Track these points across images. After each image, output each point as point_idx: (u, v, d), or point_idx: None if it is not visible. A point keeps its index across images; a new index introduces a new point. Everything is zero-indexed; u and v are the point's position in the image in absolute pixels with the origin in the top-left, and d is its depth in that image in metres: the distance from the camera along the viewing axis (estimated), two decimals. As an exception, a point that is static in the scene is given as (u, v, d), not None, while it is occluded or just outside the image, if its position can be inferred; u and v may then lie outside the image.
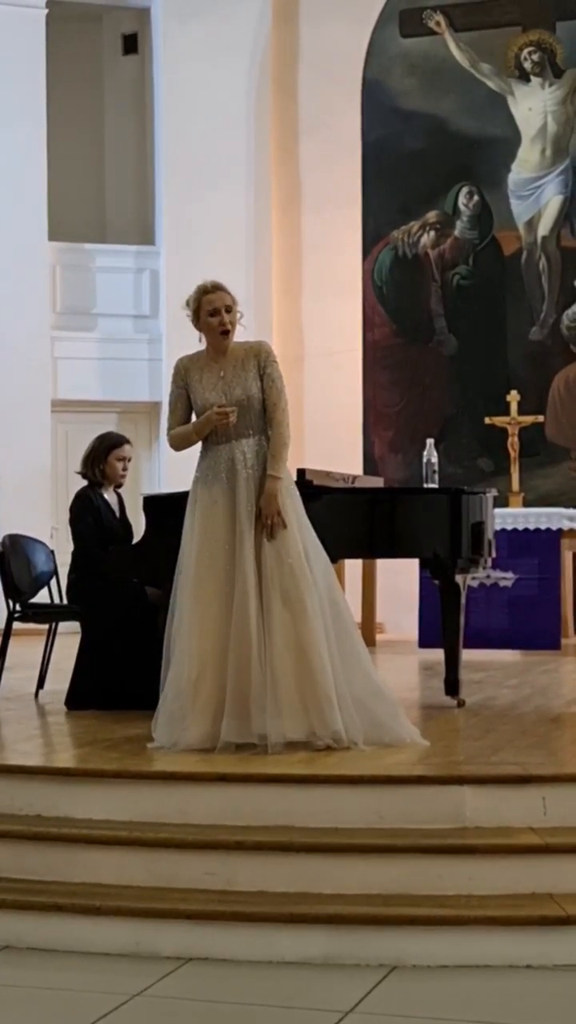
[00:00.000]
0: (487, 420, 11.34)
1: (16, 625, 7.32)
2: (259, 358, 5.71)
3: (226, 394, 5.67)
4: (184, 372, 5.77)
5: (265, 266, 12.81)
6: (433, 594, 6.98)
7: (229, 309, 5.67)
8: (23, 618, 7.32)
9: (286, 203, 13.03)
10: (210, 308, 5.65)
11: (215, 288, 5.69)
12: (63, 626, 7.54)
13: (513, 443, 11.07)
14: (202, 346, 5.80)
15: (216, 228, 12.58)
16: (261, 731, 5.39)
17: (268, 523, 5.53)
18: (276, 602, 5.47)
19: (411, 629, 10.25)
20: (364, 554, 8.09)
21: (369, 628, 10.10)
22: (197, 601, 5.54)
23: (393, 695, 5.75)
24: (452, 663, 6.69)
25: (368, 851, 4.56)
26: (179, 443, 5.79)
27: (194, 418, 5.75)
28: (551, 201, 12.46)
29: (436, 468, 7.73)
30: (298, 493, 5.71)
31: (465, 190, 12.65)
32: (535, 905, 4.39)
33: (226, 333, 5.68)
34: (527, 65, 12.54)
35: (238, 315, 5.72)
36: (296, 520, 5.60)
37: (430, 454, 7.79)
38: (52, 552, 7.80)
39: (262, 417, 5.68)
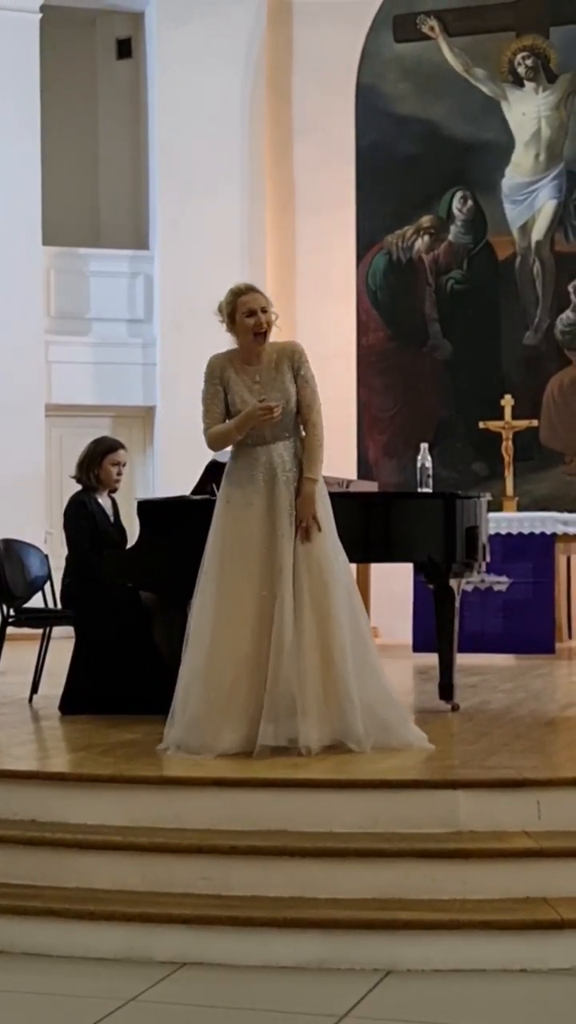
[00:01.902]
0: (481, 424, 11.36)
1: (10, 630, 7.33)
2: (293, 359, 5.66)
3: (263, 399, 5.59)
4: (220, 370, 5.65)
5: (259, 270, 12.79)
6: (427, 598, 6.98)
7: (265, 310, 5.59)
8: (17, 623, 7.33)
9: (280, 207, 13.04)
10: (246, 309, 5.57)
11: (248, 289, 5.64)
12: (57, 631, 7.54)
13: (507, 447, 11.08)
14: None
15: (210, 232, 12.58)
16: (292, 735, 5.35)
17: (304, 526, 5.49)
18: (305, 605, 5.43)
19: (405, 633, 10.25)
20: (358, 558, 8.05)
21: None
22: (230, 603, 5.46)
23: (399, 699, 5.73)
24: (446, 667, 6.70)
25: (363, 855, 4.56)
26: (218, 442, 5.66)
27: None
28: (545, 206, 12.47)
29: (430, 472, 7.72)
30: (328, 495, 5.67)
31: (459, 195, 12.66)
32: (529, 909, 4.39)
33: (263, 334, 5.60)
34: (521, 70, 12.56)
35: (273, 317, 5.63)
36: (326, 523, 5.57)
37: (424, 458, 7.78)
38: (46, 557, 7.80)
39: (296, 419, 5.64)
